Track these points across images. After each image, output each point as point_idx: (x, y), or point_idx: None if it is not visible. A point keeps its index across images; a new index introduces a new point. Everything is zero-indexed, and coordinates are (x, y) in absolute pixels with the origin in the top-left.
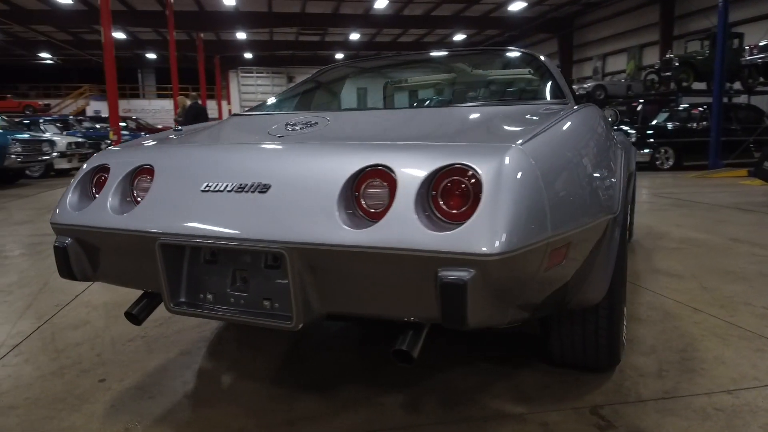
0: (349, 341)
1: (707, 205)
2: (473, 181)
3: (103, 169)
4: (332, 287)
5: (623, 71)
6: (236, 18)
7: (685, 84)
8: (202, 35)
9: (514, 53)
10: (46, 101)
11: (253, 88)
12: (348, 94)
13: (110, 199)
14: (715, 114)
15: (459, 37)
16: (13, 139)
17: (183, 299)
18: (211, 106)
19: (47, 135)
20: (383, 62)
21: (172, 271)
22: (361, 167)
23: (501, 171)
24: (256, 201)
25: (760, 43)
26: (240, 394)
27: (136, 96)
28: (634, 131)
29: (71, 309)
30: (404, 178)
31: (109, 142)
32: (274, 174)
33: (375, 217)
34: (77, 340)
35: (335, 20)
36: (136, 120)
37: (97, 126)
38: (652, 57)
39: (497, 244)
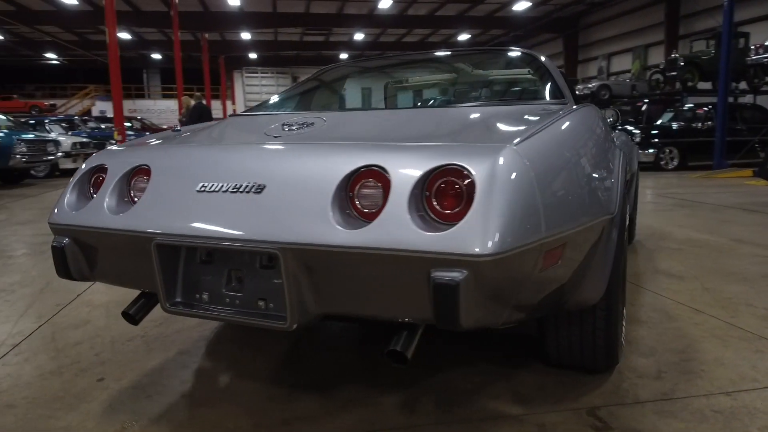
0: (350, 341)
1: (711, 206)
2: (467, 181)
3: (101, 170)
4: (326, 288)
5: (628, 71)
6: (241, 18)
7: (690, 84)
8: (206, 35)
9: (513, 53)
10: (51, 101)
11: (257, 89)
12: (346, 94)
13: (107, 199)
14: (720, 114)
15: (463, 37)
16: (18, 139)
17: (179, 299)
18: (216, 107)
19: (52, 135)
20: (382, 62)
21: (168, 271)
22: (355, 168)
23: (494, 171)
24: (251, 201)
25: (766, 43)
26: (237, 393)
27: (141, 96)
28: (638, 131)
29: (72, 308)
30: (398, 179)
31: (113, 142)
32: (269, 174)
33: (369, 218)
34: (77, 339)
35: (339, 20)
36: (141, 120)
37: (102, 126)
38: (657, 57)
39: (490, 244)
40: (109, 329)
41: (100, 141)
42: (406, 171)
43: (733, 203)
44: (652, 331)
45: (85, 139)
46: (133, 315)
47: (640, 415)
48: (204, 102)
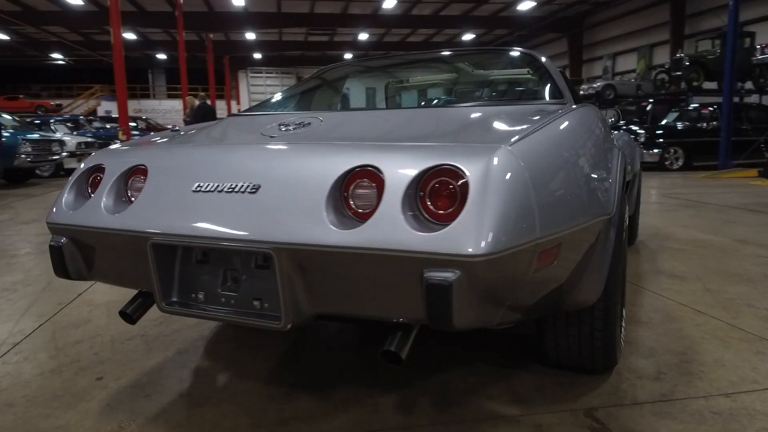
0: (349, 341)
1: (715, 206)
2: (461, 181)
3: (99, 169)
4: (321, 288)
5: (633, 71)
6: (245, 18)
7: (695, 84)
8: (211, 36)
9: (512, 53)
10: (57, 101)
11: (262, 89)
12: (345, 94)
13: (104, 198)
14: (725, 114)
15: (468, 36)
16: (23, 139)
17: (175, 299)
18: (221, 107)
19: (57, 135)
20: (381, 62)
21: (164, 270)
22: (349, 168)
23: (488, 172)
24: (246, 201)
25: None
26: (235, 393)
27: (147, 96)
28: (643, 131)
29: (73, 308)
30: (392, 179)
31: (118, 142)
32: (264, 174)
33: (363, 218)
34: (77, 338)
35: (344, 20)
36: (146, 120)
37: (107, 126)
38: (662, 56)
39: (483, 244)
40: (109, 328)
41: (105, 141)
42: (400, 171)
43: (738, 203)
44: (653, 331)
45: (90, 139)
46: (130, 314)
47: (638, 416)
48: (208, 102)
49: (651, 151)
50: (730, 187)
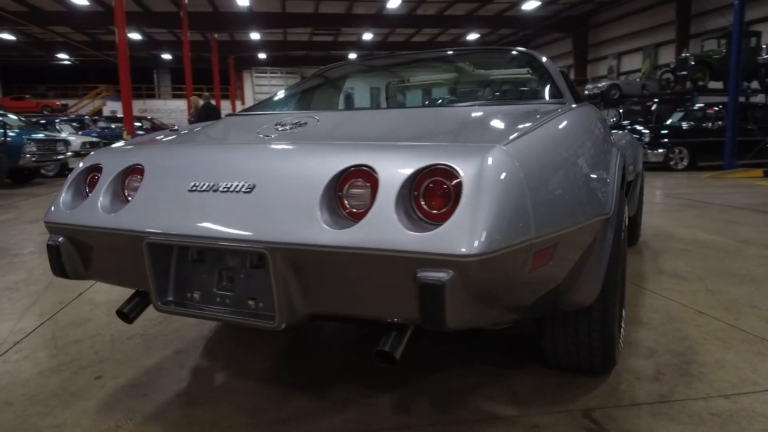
0: (348, 341)
1: (720, 206)
2: (455, 181)
3: (96, 169)
4: (315, 287)
5: (638, 70)
6: (250, 18)
7: (701, 83)
8: (216, 36)
9: (512, 53)
10: (63, 101)
11: (267, 88)
12: (344, 94)
13: (101, 198)
14: (730, 113)
15: (472, 36)
16: (28, 139)
17: (170, 298)
18: (226, 107)
19: (63, 135)
20: (380, 62)
21: (160, 270)
22: (344, 167)
23: (482, 171)
24: (241, 201)
25: None
26: (233, 392)
27: (152, 96)
28: (648, 131)
29: (74, 307)
30: (386, 179)
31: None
32: (259, 174)
33: (357, 218)
34: (77, 337)
35: (348, 20)
36: (151, 120)
37: (112, 126)
38: (668, 56)
39: (476, 244)
40: (109, 327)
41: (109, 140)
42: (394, 171)
43: (743, 204)
44: (653, 332)
45: (94, 139)
46: (127, 313)
47: (635, 418)
48: (213, 102)
49: (656, 151)
50: (736, 187)
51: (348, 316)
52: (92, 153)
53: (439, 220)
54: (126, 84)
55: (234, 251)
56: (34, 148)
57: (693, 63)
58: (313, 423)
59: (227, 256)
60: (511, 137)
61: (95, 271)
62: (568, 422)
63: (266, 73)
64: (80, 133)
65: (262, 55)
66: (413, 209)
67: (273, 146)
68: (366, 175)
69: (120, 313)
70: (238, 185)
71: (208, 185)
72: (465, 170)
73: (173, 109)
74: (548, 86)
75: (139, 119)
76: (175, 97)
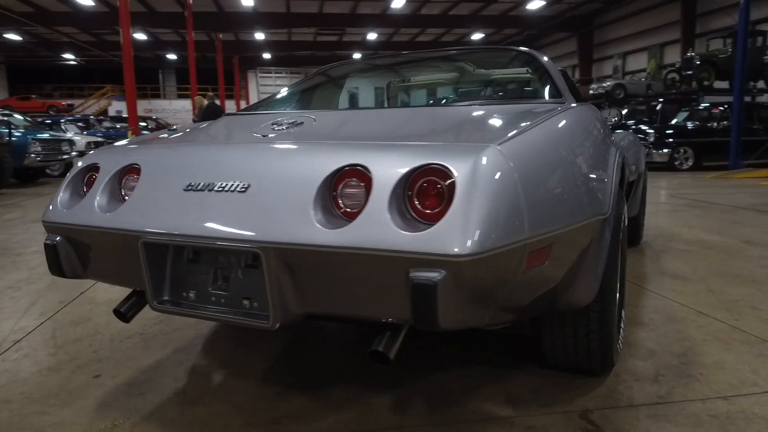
0: (348, 341)
1: (724, 207)
2: (449, 181)
3: (94, 168)
4: (308, 287)
5: (644, 70)
6: (255, 18)
7: (706, 83)
8: (221, 36)
9: (511, 52)
10: (69, 101)
11: (272, 88)
12: (342, 93)
13: (98, 197)
14: (735, 113)
15: (477, 36)
16: (33, 139)
17: (166, 297)
18: (231, 107)
19: (68, 135)
20: (380, 62)
21: (156, 269)
22: (338, 167)
23: (476, 171)
24: (236, 200)
25: None
26: (230, 391)
27: (157, 96)
28: (652, 131)
29: (75, 306)
30: (380, 178)
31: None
32: (254, 174)
33: (352, 217)
34: (77, 336)
35: (353, 20)
36: (156, 120)
37: (117, 126)
38: (673, 56)
39: (468, 244)
40: (109, 326)
41: (114, 141)
42: (387, 170)
43: (747, 204)
44: (653, 333)
45: (99, 139)
46: (124, 313)
47: (633, 419)
48: (217, 102)
49: (660, 151)
50: (740, 187)
51: (342, 316)
52: (90, 152)
53: (433, 219)
54: (130, 84)
55: (229, 251)
56: (39, 148)
57: (698, 62)
58: (308, 423)
59: (222, 256)
60: (505, 137)
61: (92, 271)
62: (564, 423)
63: (271, 73)
64: (85, 133)
65: (266, 55)
66: (407, 209)
67: (268, 146)
68: (360, 175)
69: (117, 313)
70: (232, 185)
71: (204, 185)
72: (458, 170)
73: (178, 109)
74: (547, 86)
75: (144, 119)
76: (180, 97)
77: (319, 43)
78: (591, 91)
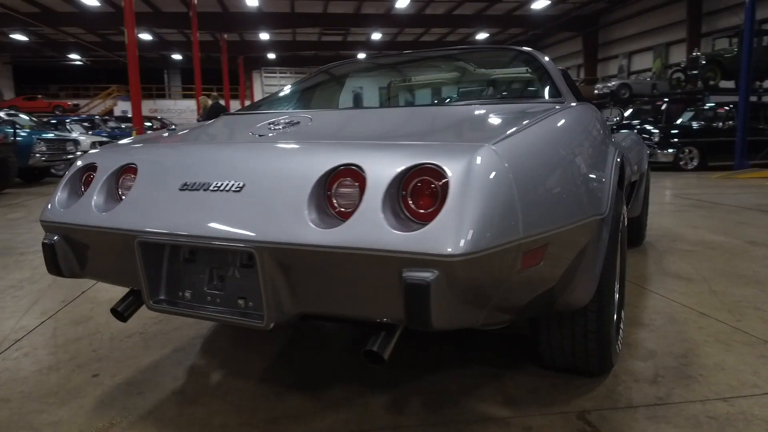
0: (348, 341)
1: (728, 207)
2: (443, 181)
3: (92, 168)
4: (303, 287)
5: (649, 70)
6: (259, 19)
7: (712, 83)
8: (225, 36)
9: (511, 51)
10: (75, 101)
11: (276, 88)
12: (341, 93)
13: (95, 197)
14: (741, 113)
15: (481, 36)
16: (38, 139)
17: (162, 297)
18: (236, 107)
19: (73, 135)
20: (380, 61)
21: (152, 268)
22: (332, 167)
23: (469, 171)
24: (231, 200)
25: None
26: (228, 391)
27: (162, 96)
28: (657, 131)
29: (76, 305)
30: (374, 178)
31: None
32: (249, 173)
33: (346, 217)
34: (77, 335)
35: (357, 20)
36: (161, 120)
37: (122, 126)
38: (679, 55)
39: (462, 244)
40: (109, 326)
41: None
42: (382, 170)
43: (752, 204)
44: (653, 334)
45: (104, 139)
46: (121, 312)
47: (631, 420)
48: (221, 102)
49: (665, 151)
50: (746, 187)
51: (337, 316)
52: (89, 152)
53: (427, 219)
54: (135, 84)
55: (224, 250)
56: (44, 148)
57: (704, 62)
58: (307, 422)
59: (218, 256)
60: (501, 136)
61: (90, 270)
62: (561, 424)
63: (275, 73)
64: (90, 132)
65: (271, 55)
66: (401, 208)
67: (263, 145)
68: (354, 175)
69: (114, 312)
70: (227, 184)
71: (199, 184)
72: (452, 169)
73: (183, 108)
74: (547, 85)
75: (149, 119)
76: (185, 97)
77: (323, 43)
78: (596, 91)
